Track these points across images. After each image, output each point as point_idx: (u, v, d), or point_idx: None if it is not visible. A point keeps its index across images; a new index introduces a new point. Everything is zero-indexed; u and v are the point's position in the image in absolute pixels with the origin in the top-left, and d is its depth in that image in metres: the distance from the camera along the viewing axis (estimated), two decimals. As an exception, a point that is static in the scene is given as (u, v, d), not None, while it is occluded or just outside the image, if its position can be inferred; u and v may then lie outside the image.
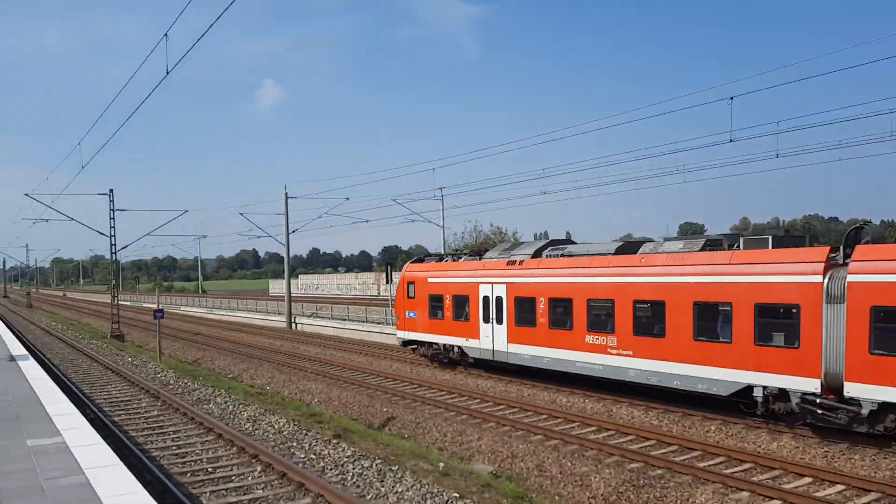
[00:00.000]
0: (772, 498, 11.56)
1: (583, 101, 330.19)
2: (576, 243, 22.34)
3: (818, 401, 13.96)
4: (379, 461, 12.96)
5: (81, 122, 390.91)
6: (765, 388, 14.91)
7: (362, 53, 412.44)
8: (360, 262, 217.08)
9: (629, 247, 19.32)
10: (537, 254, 21.47)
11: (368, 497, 11.20)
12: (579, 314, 19.13)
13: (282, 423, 16.35)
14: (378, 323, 38.78)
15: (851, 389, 13.35)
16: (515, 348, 21.48)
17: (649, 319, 17.41)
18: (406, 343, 26.85)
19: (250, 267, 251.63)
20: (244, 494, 11.28)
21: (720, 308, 15.72)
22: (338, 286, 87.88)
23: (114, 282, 47.34)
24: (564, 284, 19.66)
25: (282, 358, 30.61)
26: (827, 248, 14.45)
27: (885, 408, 13.08)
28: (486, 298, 22.54)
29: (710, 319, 16.00)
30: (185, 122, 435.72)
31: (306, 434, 15.32)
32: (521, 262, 21.48)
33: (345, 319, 42.43)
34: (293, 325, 47.13)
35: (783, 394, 14.63)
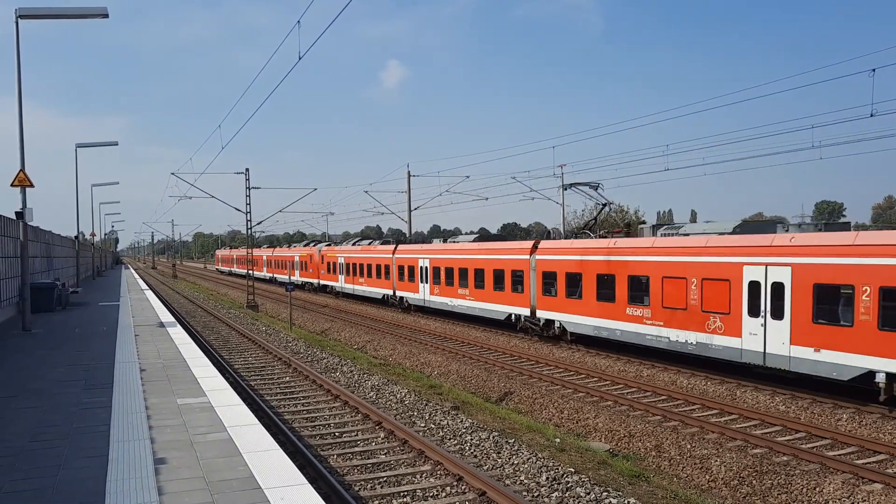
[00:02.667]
0: (909, 492, 10.95)
1: (713, 74, 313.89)
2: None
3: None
4: (496, 433, 13.28)
5: (221, 105, 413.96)
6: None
7: (483, 31, 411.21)
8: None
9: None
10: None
11: (485, 467, 11.54)
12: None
13: (403, 394, 17.01)
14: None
15: None
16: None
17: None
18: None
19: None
20: (368, 458, 11.90)
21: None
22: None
23: (250, 256, 50.26)
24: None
25: (404, 331, 31.58)
26: None
27: None
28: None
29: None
30: (314, 104, 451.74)
31: (426, 404, 15.87)
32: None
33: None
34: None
35: None
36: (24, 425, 8.97)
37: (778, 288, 16.94)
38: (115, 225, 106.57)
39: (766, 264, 17.24)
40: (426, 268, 35.47)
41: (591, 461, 12.38)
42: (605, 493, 10.14)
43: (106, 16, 17.84)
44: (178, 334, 19.02)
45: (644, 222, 77.33)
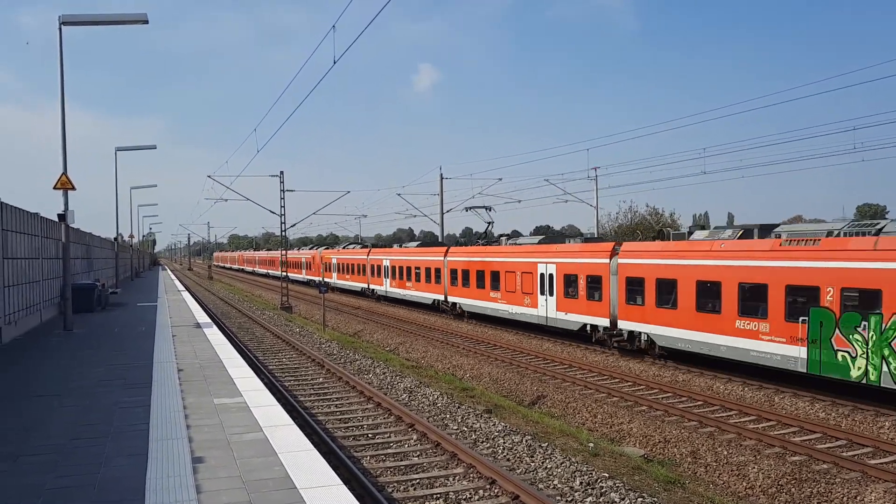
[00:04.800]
0: (955, 503, 10.66)
1: (750, 75, 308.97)
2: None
3: None
4: (529, 437, 13.23)
5: (255, 107, 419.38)
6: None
7: (516, 33, 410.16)
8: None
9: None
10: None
11: (518, 470, 11.50)
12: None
13: (436, 396, 17.04)
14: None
15: None
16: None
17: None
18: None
19: (406, 245, 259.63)
20: (401, 460, 11.94)
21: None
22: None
23: (284, 257, 50.77)
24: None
25: (436, 334, 31.62)
26: None
27: None
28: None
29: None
30: (347, 106, 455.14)
31: (459, 407, 15.87)
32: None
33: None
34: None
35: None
36: (66, 423, 9.17)
37: (551, 277, 27.42)
38: (153, 227, 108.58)
39: (547, 262, 27.74)
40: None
41: (626, 466, 12.27)
42: (640, 499, 10.04)
43: (146, 22, 18.19)
44: (214, 335, 19.29)
45: (673, 226, 76.49)
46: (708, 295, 19.90)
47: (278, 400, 11.61)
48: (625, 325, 23.49)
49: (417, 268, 40.62)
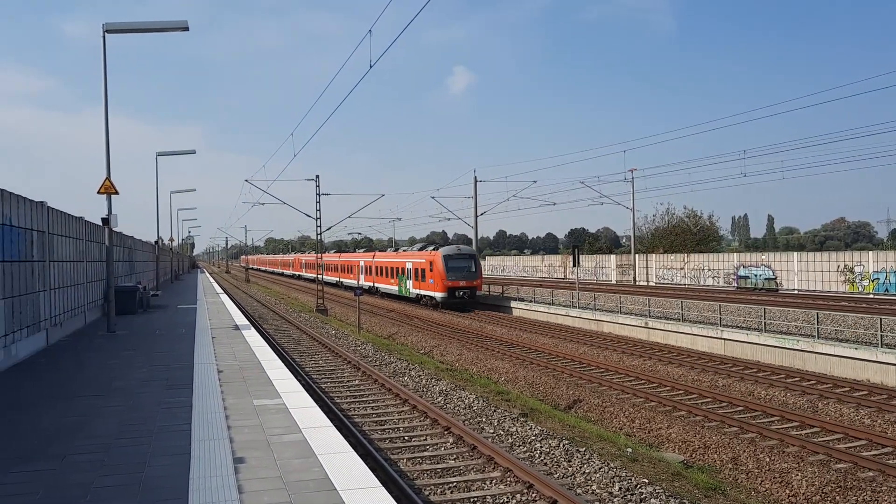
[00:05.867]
0: None
1: (791, 75, 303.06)
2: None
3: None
4: (566, 441, 13.14)
5: (290, 112, 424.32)
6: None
7: (551, 34, 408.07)
8: (546, 245, 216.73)
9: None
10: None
11: (556, 475, 11.43)
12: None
13: (471, 399, 17.02)
14: (564, 305, 38.78)
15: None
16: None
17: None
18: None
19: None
20: (437, 463, 11.95)
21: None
22: (524, 268, 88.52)
23: (321, 261, 51.23)
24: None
25: (470, 337, 31.60)
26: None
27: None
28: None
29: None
30: (380, 110, 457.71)
31: (494, 411, 15.83)
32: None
33: (531, 301, 42.86)
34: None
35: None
36: (111, 423, 9.35)
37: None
38: (192, 230, 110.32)
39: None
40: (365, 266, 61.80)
41: (665, 472, 12.12)
42: (680, 506, 9.89)
43: (186, 29, 18.51)
44: (252, 337, 19.52)
45: (712, 228, 75.15)
46: (393, 273, 52.37)
47: (316, 401, 11.70)
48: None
49: (357, 266, 63.79)
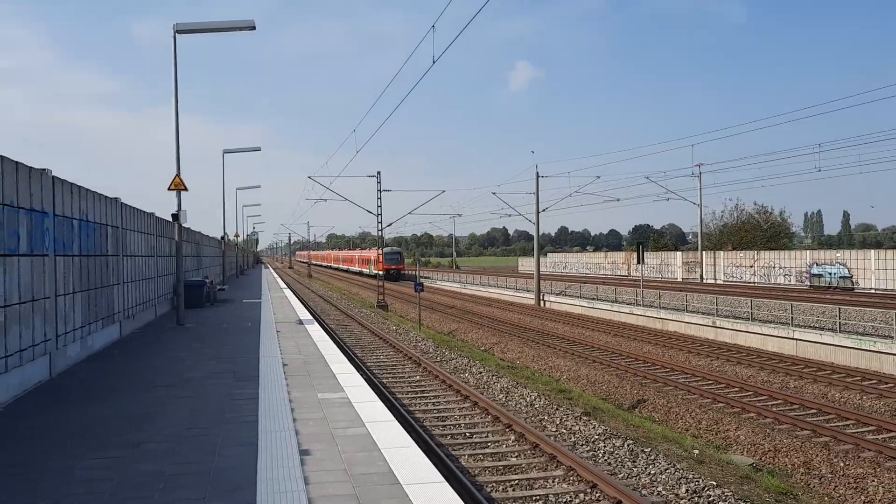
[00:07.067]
0: None
1: (867, 65, 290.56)
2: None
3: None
4: (630, 441, 12.90)
5: (351, 109, 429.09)
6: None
7: (616, 27, 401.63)
8: (609, 241, 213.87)
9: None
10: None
11: (620, 475, 11.22)
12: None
13: (532, 397, 16.88)
14: (628, 303, 38.15)
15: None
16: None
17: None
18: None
19: (500, 244, 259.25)
20: (499, 461, 11.88)
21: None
22: (586, 265, 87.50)
23: (380, 256, 51.68)
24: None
25: (531, 334, 31.40)
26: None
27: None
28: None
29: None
30: (441, 106, 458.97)
31: (556, 409, 15.67)
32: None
33: (593, 299, 42.31)
34: (541, 302, 48.03)
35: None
36: (181, 413, 9.61)
37: (362, 260, 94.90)
38: (256, 226, 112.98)
39: (362, 255, 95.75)
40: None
41: (734, 475, 11.76)
42: (750, 510, 9.58)
43: (253, 28, 18.88)
44: (316, 331, 19.81)
45: (784, 225, 72.66)
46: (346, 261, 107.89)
47: (378, 396, 11.79)
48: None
49: (353, 259, 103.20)
